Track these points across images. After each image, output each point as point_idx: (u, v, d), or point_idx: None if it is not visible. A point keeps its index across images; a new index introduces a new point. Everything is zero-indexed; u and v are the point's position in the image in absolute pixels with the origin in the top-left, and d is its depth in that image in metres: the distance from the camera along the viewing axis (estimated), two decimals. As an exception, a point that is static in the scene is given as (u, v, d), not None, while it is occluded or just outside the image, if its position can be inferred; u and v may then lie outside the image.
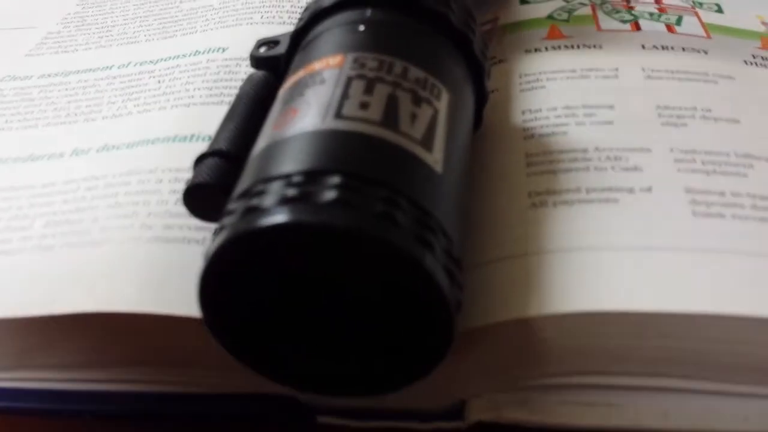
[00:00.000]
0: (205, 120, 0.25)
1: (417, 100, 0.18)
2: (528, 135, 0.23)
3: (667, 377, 0.18)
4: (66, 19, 0.34)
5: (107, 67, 0.30)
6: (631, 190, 0.20)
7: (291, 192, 0.15)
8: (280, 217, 0.15)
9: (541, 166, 0.21)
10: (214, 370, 0.19)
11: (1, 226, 0.22)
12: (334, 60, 0.19)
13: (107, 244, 0.21)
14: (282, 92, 0.19)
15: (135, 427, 0.20)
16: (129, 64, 0.30)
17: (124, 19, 0.33)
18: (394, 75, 0.18)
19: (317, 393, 0.17)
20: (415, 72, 0.19)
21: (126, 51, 0.31)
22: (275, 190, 0.15)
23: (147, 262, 0.20)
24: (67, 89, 0.28)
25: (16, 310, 0.19)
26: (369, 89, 0.18)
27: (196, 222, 0.19)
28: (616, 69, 0.25)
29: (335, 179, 0.15)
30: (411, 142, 0.17)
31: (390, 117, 0.17)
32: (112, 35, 0.32)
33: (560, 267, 0.18)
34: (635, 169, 0.21)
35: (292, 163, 0.16)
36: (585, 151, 0.22)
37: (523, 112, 0.24)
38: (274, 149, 0.17)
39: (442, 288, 0.15)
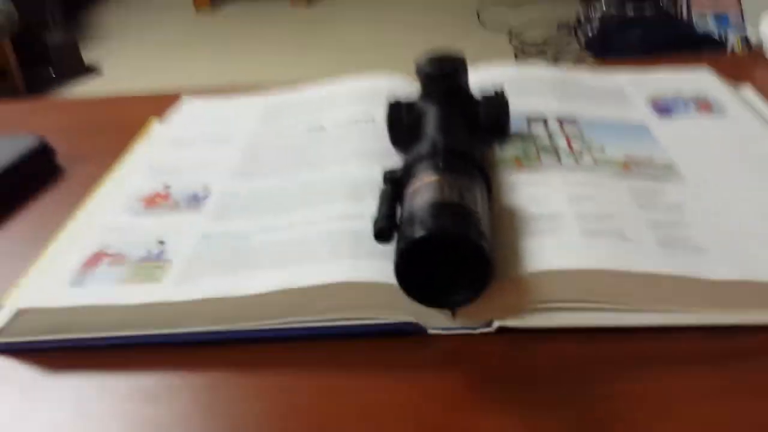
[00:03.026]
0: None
1: (473, 193, 0.44)
2: (510, 208, 0.49)
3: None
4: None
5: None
6: (553, 227, 0.46)
7: (431, 220, 0.40)
8: (429, 230, 0.40)
9: (513, 222, 0.48)
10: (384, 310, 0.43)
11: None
12: (432, 178, 0.45)
13: (334, 257, 0.45)
14: (407, 193, 0.45)
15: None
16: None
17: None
18: (460, 185, 0.44)
19: (441, 308, 0.42)
20: (468, 183, 0.45)
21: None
22: (421, 220, 0.41)
23: (357, 264, 0.45)
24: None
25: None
26: (451, 188, 0.44)
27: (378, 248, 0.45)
28: (547, 182, 0.52)
29: (450, 212, 0.41)
30: (474, 209, 0.42)
31: (464, 198, 0.43)
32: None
33: (530, 254, 0.44)
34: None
35: (424, 210, 0.41)
36: (537, 215, 0.48)
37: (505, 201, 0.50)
38: (414, 208, 0.42)
39: (489, 255, 0.40)
